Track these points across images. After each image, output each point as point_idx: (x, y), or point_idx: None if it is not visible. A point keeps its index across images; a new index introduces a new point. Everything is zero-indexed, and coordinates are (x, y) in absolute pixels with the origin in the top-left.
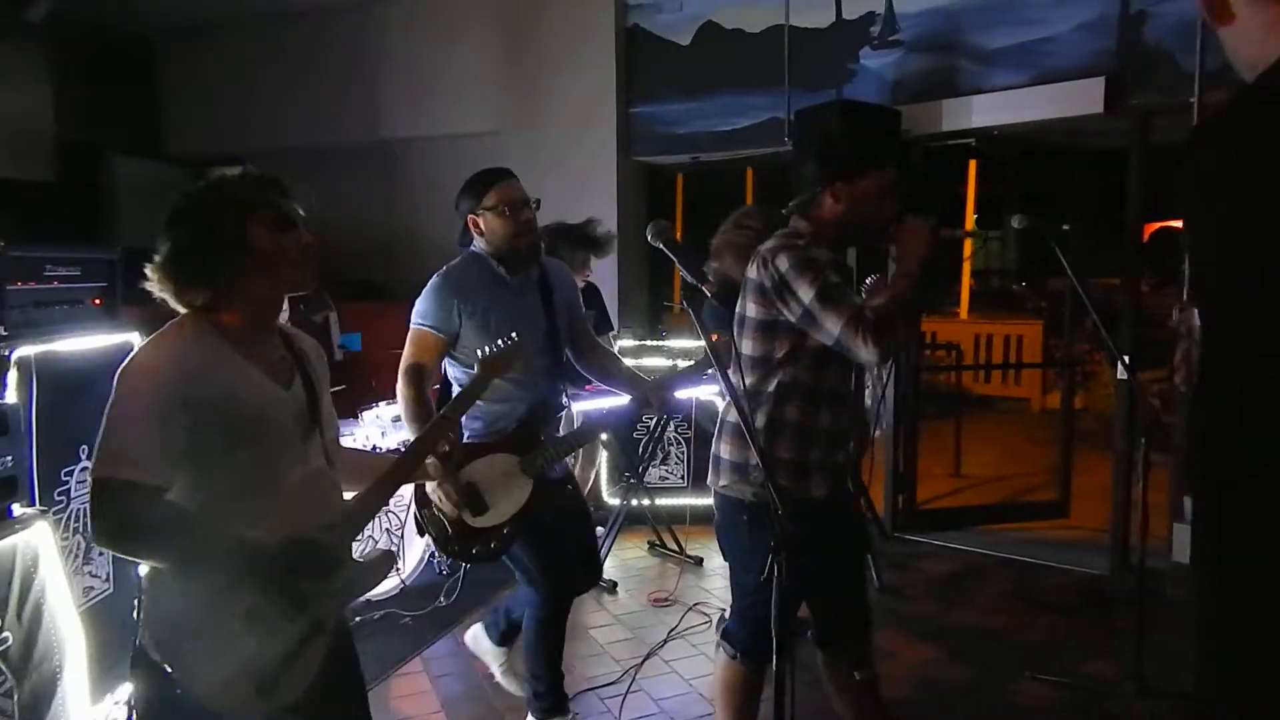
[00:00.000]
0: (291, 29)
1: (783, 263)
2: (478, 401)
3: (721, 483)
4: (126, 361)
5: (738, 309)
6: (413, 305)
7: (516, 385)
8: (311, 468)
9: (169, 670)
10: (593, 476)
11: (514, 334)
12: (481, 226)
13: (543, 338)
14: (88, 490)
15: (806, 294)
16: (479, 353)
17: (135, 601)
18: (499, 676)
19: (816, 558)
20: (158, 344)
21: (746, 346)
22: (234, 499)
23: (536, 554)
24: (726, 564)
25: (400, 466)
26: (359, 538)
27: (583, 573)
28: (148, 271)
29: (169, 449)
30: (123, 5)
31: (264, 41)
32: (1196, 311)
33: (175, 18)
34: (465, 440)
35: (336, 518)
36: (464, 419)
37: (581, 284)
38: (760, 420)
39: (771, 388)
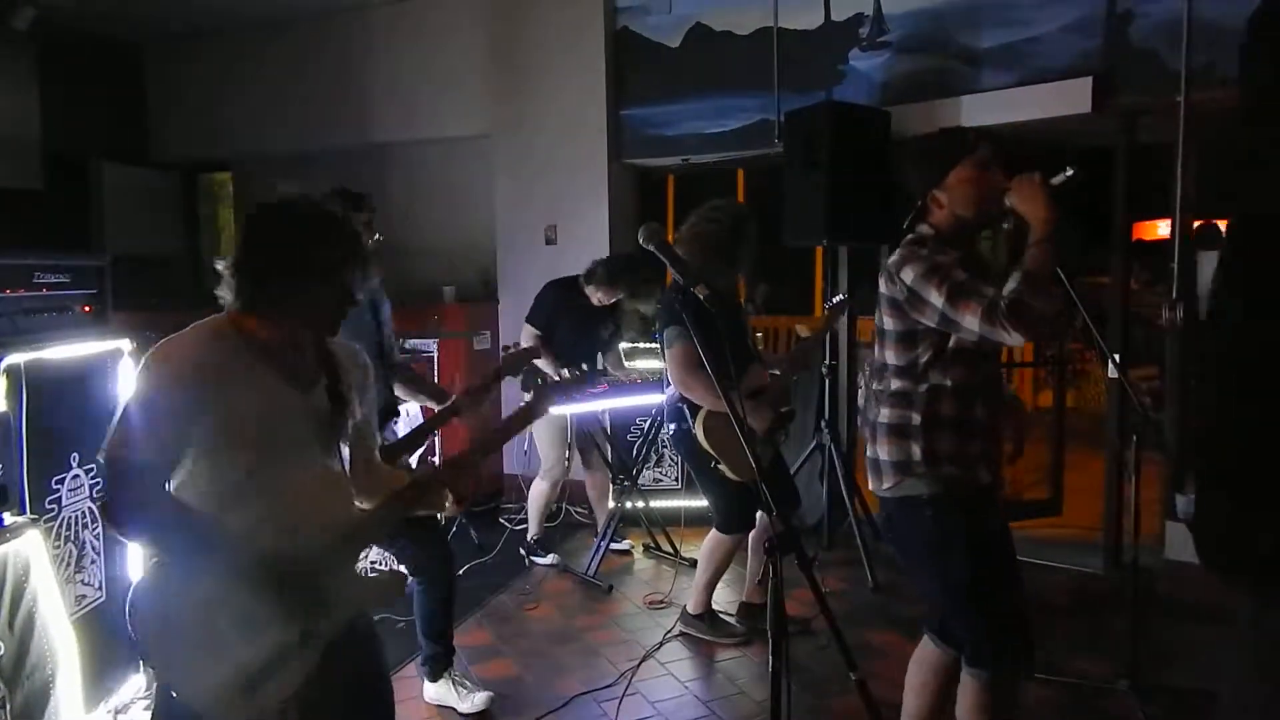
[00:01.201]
0: (279, 34)
1: (908, 275)
2: None
3: (886, 485)
4: (152, 351)
5: (875, 320)
6: (400, 307)
7: None
8: (323, 474)
9: (150, 667)
10: (608, 480)
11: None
12: None
13: (374, 346)
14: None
15: (938, 299)
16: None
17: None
18: (460, 707)
19: (984, 549)
20: (178, 337)
21: (890, 356)
22: (238, 496)
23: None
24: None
25: (407, 495)
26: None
27: (425, 557)
28: (221, 267)
29: (173, 434)
30: (109, 12)
31: (251, 47)
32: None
33: (162, 24)
34: None
35: (343, 526)
36: None
37: (608, 300)
38: (915, 419)
39: (923, 389)
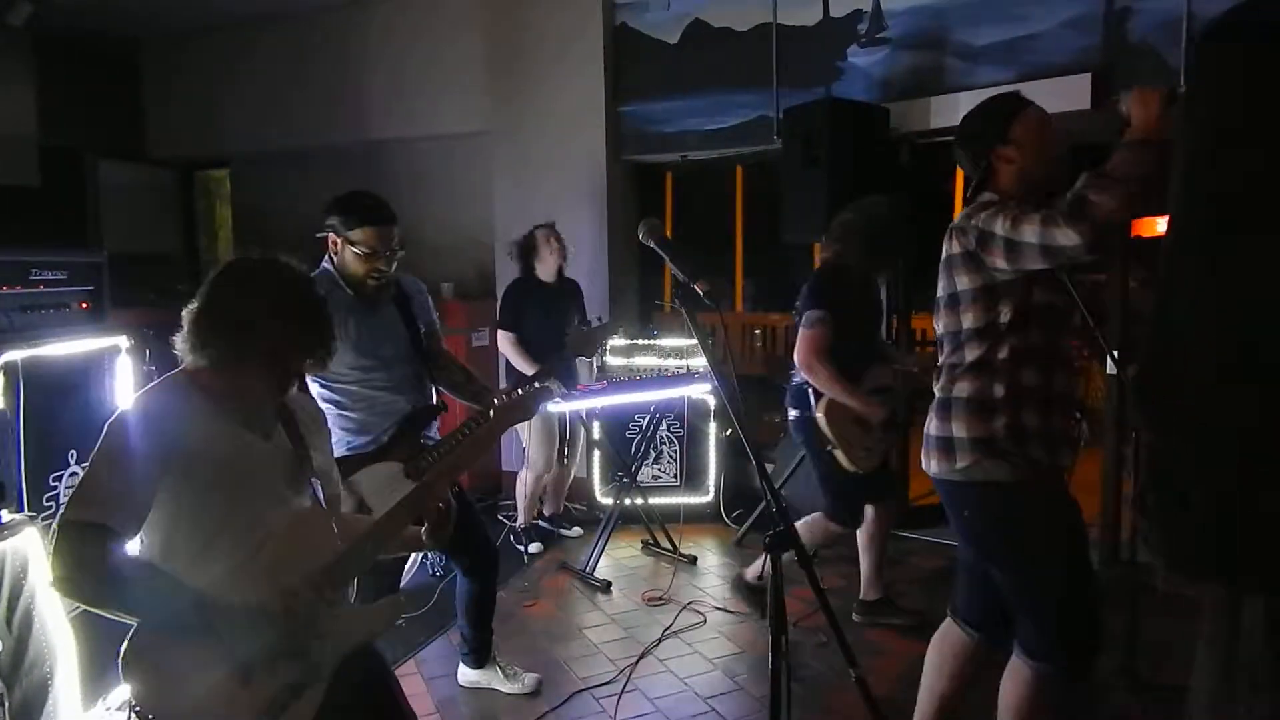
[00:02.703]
0: (275, 31)
1: (979, 219)
2: (349, 414)
3: (961, 464)
4: (112, 417)
5: (941, 289)
6: None
7: (390, 392)
8: (299, 511)
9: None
10: (572, 472)
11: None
12: (338, 249)
13: (406, 347)
14: (51, 538)
15: (1002, 226)
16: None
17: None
18: (505, 689)
19: (1069, 539)
20: (140, 399)
21: (967, 319)
22: (217, 541)
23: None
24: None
25: (381, 527)
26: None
27: (480, 560)
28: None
29: (138, 498)
30: (106, 9)
31: (248, 44)
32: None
33: (158, 21)
34: (346, 453)
35: (329, 558)
36: (341, 432)
37: (555, 272)
38: (999, 391)
39: (1004, 354)
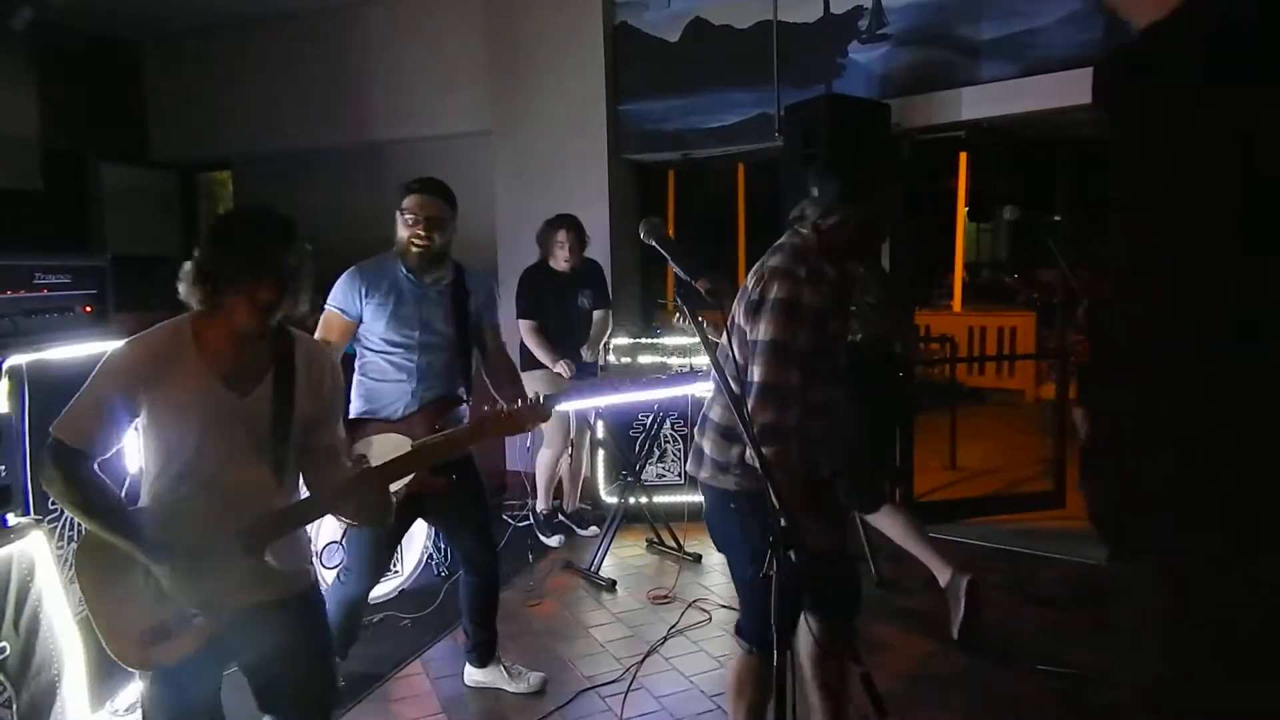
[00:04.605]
0: (277, 33)
1: (772, 289)
2: (364, 380)
3: (703, 475)
4: (111, 349)
5: (733, 314)
6: None
7: (405, 373)
8: (249, 475)
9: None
10: (583, 468)
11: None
12: (397, 223)
13: (442, 338)
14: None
15: (765, 334)
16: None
17: None
18: (510, 689)
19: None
20: (137, 339)
21: (738, 354)
22: (169, 479)
23: (446, 533)
24: (723, 555)
25: (314, 506)
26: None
27: (478, 553)
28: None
29: (111, 426)
30: (107, 12)
31: (249, 46)
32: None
33: (160, 24)
34: (362, 415)
35: (257, 520)
36: (356, 398)
37: (568, 266)
38: (741, 426)
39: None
